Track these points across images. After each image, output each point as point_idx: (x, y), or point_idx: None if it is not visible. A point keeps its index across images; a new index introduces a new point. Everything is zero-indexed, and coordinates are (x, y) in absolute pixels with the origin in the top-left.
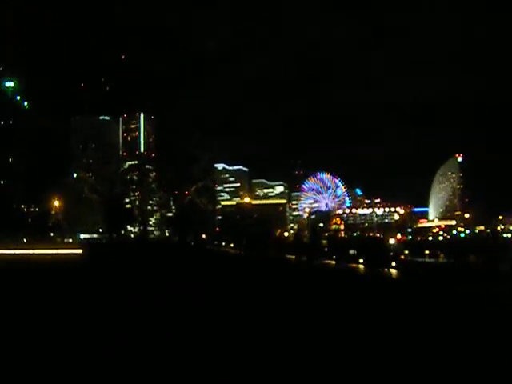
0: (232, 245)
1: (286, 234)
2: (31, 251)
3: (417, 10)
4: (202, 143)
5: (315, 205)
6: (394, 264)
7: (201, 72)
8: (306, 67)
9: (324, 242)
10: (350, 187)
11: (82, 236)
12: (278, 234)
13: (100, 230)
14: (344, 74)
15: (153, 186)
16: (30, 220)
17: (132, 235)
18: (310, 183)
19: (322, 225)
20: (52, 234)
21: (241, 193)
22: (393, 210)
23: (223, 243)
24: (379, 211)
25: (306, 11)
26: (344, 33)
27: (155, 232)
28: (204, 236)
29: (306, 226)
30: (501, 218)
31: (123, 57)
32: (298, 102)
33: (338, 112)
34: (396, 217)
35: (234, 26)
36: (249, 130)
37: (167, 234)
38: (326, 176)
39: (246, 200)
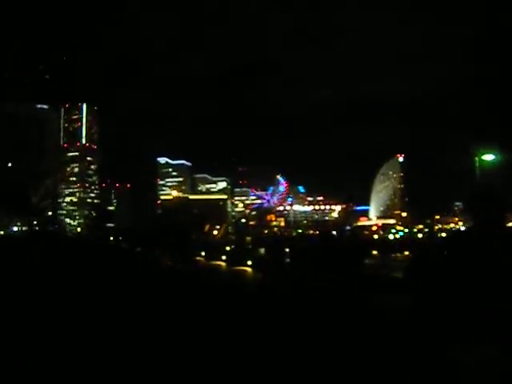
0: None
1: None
2: None
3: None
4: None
5: (257, 201)
6: None
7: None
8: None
9: (248, 238)
10: (292, 184)
11: (15, 228)
12: (206, 229)
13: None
14: (288, 72)
15: (93, 178)
16: None
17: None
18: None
19: (244, 220)
20: None
21: (183, 187)
22: (333, 207)
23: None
24: (318, 209)
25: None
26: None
27: None
28: None
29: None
30: (437, 217)
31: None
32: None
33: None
34: (335, 214)
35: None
36: (195, 125)
37: None
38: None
39: (174, 193)
